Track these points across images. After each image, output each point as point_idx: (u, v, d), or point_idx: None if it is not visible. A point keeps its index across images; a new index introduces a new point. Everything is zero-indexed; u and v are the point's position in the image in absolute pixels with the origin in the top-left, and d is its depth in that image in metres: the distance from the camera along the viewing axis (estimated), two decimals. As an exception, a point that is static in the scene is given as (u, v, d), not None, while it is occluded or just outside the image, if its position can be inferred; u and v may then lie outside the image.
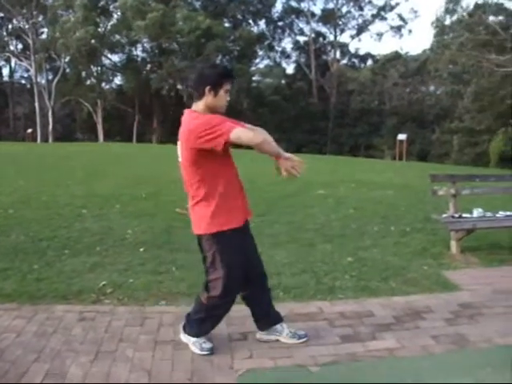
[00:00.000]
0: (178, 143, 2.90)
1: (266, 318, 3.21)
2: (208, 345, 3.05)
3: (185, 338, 3.15)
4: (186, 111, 2.91)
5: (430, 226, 6.25)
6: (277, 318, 3.22)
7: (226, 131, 2.66)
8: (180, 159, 2.91)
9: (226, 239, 2.87)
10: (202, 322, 3.07)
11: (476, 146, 28.11)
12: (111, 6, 36.74)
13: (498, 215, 5.27)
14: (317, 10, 46.28)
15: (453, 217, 5.14)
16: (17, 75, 45.90)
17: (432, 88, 39.80)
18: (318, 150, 37.12)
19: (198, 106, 2.86)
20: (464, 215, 5.19)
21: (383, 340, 3.21)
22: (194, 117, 2.79)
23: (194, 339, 3.08)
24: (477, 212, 5.23)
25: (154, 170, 12.90)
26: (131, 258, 5.01)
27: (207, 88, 2.79)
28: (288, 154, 2.85)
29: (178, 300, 3.93)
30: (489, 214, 5.29)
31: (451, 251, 5.21)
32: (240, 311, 3.66)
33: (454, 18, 27.75)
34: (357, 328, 3.38)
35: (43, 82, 39.33)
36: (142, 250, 5.30)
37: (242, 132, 2.73)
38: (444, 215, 5.25)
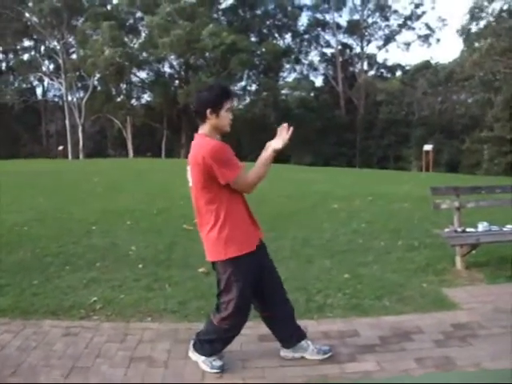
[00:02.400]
0: (188, 168, 2.93)
1: (291, 336, 3.17)
2: (218, 362, 3.05)
3: (194, 355, 3.14)
4: (197, 135, 2.95)
5: (440, 240, 6.03)
6: (301, 335, 3.18)
7: (232, 173, 2.76)
8: (190, 184, 2.94)
9: (240, 263, 2.88)
10: (212, 342, 3.06)
11: (507, 156, 27.28)
12: (139, 25, 37.52)
13: (504, 229, 5.02)
14: (342, 21, 46.33)
15: (456, 231, 4.93)
16: (50, 94, 47.10)
17: (462, 97, 39.03)
18: (346, 162, 36.86)
19: (204, 128, 2.91)
20: (468, 229, 4.97)
21: (363, 362, 3.07)
22: (207, 142, 2.82)
23: (203, 358, 3.08)
24: (482, 226, 5.00)
25: (171, 185, 12.94)
26: (128, 273, 5.02)
27: (208, 111, 2.85)
28: (272, 146, 2.86)
29: (163, 317, 3.93)
30: (495, 227, 5.05)
31: (456, 267, 5.00)
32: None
33: (481, 24, 27.24)
34: (338, 349, 3.25)
35: (74, 100, 40.30)
36: (140, 266, 5.30)
37: (242, 180, 2.80)
38: (446, 230, 5.05)
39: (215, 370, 3.01)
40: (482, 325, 3.63)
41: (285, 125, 2.87)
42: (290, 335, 3.15)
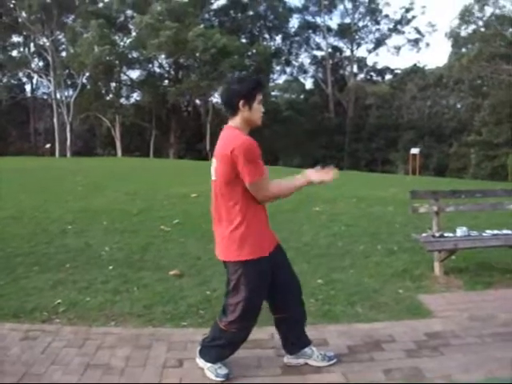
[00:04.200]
0: (213, 160, 2.79)
1: (297, 341, 3.05)
2: (223, 371, 2.92)
3: (201, 362, 3.00)
4: (227, 127, 2.80)
5: (420, 244, 5.91)
6: (306, 341, 3.08)
7: (256, 175, 2.63)
8: (214, 177, 2.78)
9: (254, 266, 2.76)
10: (220, 348, 2.93)
11: (494, 160, 27.37)
12: (130, 23, 37.20)
13: (484, 234, 4.91)
14: (333, 24, 46.25)
15: (433, 236, 4.81)
16: (39, 91, 46.61)
17: (451, 101, 39.17)
18: (334, 164, 36.59)
19: (235, 121, 2.77)
20: (446, 234, 4.85)
21: (328, 373, 2.92)
22: (237, 135, 2.69)
23: (209, 365, 2.94)
24: (460, 231, 4.87)
25: (155, 185, 12.78)
26: (97, 275, 4.88)
27: (241, 103, 2.72)
28: (309, 177, 2.82)
29: (127, 321, 3.80)
30: (474, 232, 4.93)
31: (434, 273, 4.87)
32: (184, 335, 3.48)
33: (470, 29, 27.34)
34: (303, 358, 3.10)
35: (63, 98, 39.90)
36: (111, 267, 5.15)
37: (263, 186, 2.68)
38: (424, 234, 4.93)
39: (220, 379, 2.88)
40: (456, 334, 3.51)
41: (334, 169, 2.85)
42: (295, 340, 3.04)
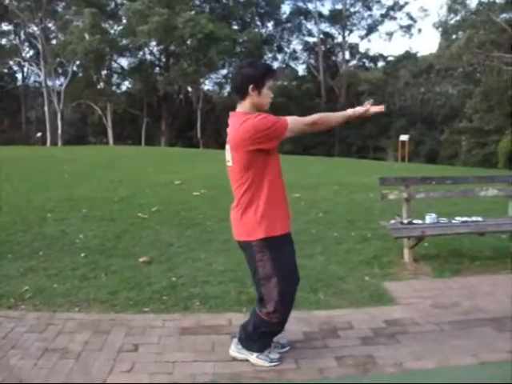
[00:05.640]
0: (227, 147, 2.79)
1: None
2: (275, 355, 2.94)
3: (241, 354, 2.97)
4: (233, 114, 2.79)
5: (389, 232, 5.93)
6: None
7: (282, 128, 2.65)
8: (230, 163, 2.78)
9: (278, 245, 2.76)
10: (266, 337, 2.93)
11: (484, 147, 27.38)
12: (120, 11, 36.86)
13: (453, 221, 4.92)
14: (325, 10, 45.89)
15: (401, 223, 4.83)
16: (31, 80, 46.30)
17: (443, 87, 39.08)
18: (326, 151, 36.76)
19: (244, 106, 2.76)
20: (415, 221, 4.86)
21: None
22: (246, 118, 2.66)
23: (256, 353, 2.92)
24: (429, 218, 4.88)
25: (141, 173, 12.77)
26: (68, 262, 4.90)
27: (250, 87, 2.71)
28: (351, 112, 2.88)
29: (90, 307, 3.83)
30: (443, 219, 4.94)
31: (404, 260, 4.90)
32: (144, 321, 3.51)
33: (458, 17, 27.23)
34: (256, 344, 3.12)
35: (55, 86, 39.61)
36: (82, 255, 5.16)
37: (294, 122, 2.71)
38: (392, 221, 4.94)
39: (275, 363, 2.89)
40: (415, 321, 3.51)
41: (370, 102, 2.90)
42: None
